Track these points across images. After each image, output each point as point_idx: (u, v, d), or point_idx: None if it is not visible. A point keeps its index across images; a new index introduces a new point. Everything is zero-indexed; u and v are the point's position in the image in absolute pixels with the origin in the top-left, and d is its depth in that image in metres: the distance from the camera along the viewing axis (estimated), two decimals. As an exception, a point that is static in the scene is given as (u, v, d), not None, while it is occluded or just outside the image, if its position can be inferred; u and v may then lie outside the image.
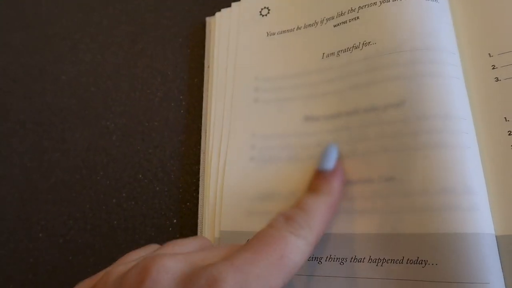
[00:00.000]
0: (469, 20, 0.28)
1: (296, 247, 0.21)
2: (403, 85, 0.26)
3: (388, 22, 0.28)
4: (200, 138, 0.32)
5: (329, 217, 0.24)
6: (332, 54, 0.29)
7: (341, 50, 0.29)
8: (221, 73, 0.32)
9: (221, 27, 0.33)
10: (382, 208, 0.25)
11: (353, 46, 0.29)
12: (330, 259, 0.26)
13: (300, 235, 0.21)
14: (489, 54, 0.27)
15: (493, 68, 0.27)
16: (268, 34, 0.32)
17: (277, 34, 0.32)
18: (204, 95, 0.33)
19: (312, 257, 0.26)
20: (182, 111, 0.33)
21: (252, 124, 0.30)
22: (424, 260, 0.24)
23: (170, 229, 0.31)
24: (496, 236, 0.24)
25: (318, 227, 0.23)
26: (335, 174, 0.25)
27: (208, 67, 0.33)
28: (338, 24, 0.30)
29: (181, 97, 0.34)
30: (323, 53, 0.30)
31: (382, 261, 0.25)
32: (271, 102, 0.30)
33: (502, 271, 0.24)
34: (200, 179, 0.31)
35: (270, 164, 0.29)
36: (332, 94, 0.29)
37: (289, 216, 0.22)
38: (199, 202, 0.30)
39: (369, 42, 0.28)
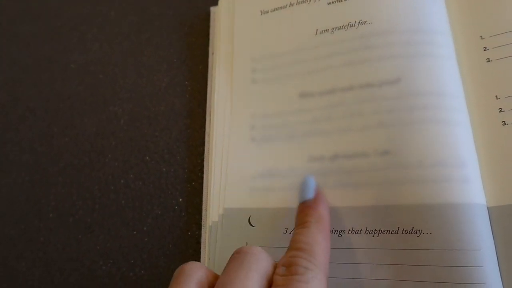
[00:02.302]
0: (461, 3, 0.30)
1: None
2: (398, 64, 0.28)
3: (384, 3, 0.29)
4: (205, 121, 0.33)
5: (327, 243, 0.24)
6: (326, 31, 0.30)
7: (336, 28, 0.30)
8: (221, 56, 0.33)
9: (221, 12, 0.34)
10: (377, 181, 0.26)
11: (348, 24, 0.30)
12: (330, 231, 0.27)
13: (309, 280, 0.21)
14: (480, 36, 0.29)
15: (484, 50, 0.28)
16: (262, 12, 0.33)
17: (271, 12, 0.33)
18: (208, 80, 0.34)
19: None
20: (187, 96, 0.35)
21: (251, 105, 0.31)
22: (419, 230, 0.25)
23: (176, 207, 0.32)
24: (488, 207, 0.26)
25: (322, 259, 0.22)
26: (318, 200, 0.26)
27: (213, 53, 0.35)
28: (332, 2, 0.31)
29: (186, 82, 0.35)
30: (316, 30, 0.31)
31: (378, 232, 0.26)
32: (268, 82, 0.31)
33: (494, 239, 0.25)
34: (205, 159, 0.32)
35: (269, 143, 0.30)
36: (327, 70, 0.29)
37: (290, 263, 0.21)
38: (204, 182, 0.31)
39: (365, 22, 0.29)
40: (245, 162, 0.30)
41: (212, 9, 0.36)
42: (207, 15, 0.36)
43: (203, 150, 0.32)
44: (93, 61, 0.39)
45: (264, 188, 0.29)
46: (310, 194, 0.26)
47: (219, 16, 0.35)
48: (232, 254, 0.22)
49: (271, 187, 0.29)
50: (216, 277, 0.22)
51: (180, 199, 0.32)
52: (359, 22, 0.29)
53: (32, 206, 0.35)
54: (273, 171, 0.29)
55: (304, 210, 0.25)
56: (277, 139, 0.30)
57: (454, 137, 0.26)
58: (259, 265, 0.21)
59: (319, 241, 0.23)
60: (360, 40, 0.29)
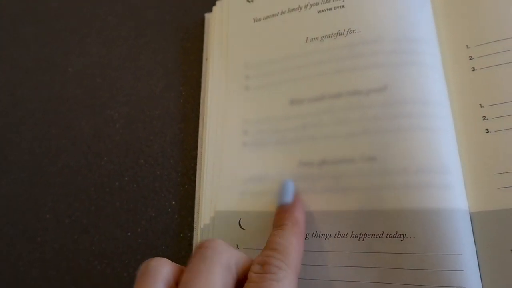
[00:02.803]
0: (447, 12, 0.30)
1: None
2: (385, 72, 0.28)
3: (372, 12, 0.30)
4: (198, 125, 0.34)
5: (301, 246, 0.25)
6: (316, 38, 0.31)
7: (325, 36, 0.31)
8: (215, 62, 0.34)
9: (216, 19, 0.35)
10: (363, 186, 0.27)
11: (337, 33, 0.30)
12: (316, 235, 0.28)
13: (280, 278, 0.22)
14: (466, 45, 0.29)
15: (470, 59, 0.29)
16: (254, 20, 0.33)
17: (263, 19, 0.33)
18: (202, 86, 0.35)
19: None
20: (181, 101, 0.35)
21: (244, 111, 0.32)
22: (403, 234, 0.26)
23: (169, 210, 0.33)
24: (470, 213, 0.26)
25: (295, 260, 0.24)
26: (295, 205, 0.27)
27: (207, 59, 0.35)
28: (322, 10, 0.31)
29: (180, 87, 0.36)
30: (307, 37, 0.31)
31: (363, 236, 0.27)
32: (260, 88, 0.32)
33: (475, 244, 0.26)
34: (198, 163, 0.33)
35: (261, 148, 0.30)
36: (316, 78, 0.30)
37: (264, 262, 0.23)
38: (196, 185, 0.32)
39: (354, 30, 0.30)
40: (237, 166, 0.31)
41: (207, 15, 0.37)
42: (202, 21, 0.37)
43: (196, 154, 0.33)
44: (91, 64, 0.39)
45: (255, 192, 0.30)
46: (288, 198, 0.27)
47: (213, 23, 0.35)
48: (194, 250, 0.23)
49: (261, 191, 0.30)
50: (183, 271, 0.22)
51: (173, 202, 0.33)
52: (348, 31, 0.30)
53: (30, 207, 0.36)
54: (263, 175, 0.30)
55: (282, 213, 0.26)
56: (268, 145, 0.30)
57: (438, 144, 0.27)
58: (221, 258, 0.22)
59: (293, 243, 0.24)
60: (349, 49, 0.30)
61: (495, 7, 0.29)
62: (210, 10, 0.36)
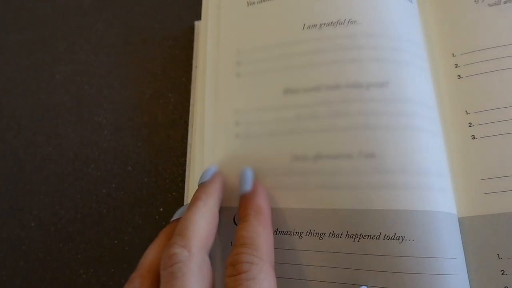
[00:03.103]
0: (434, 21, 0.31)
1: (259, 286, 0.21)
2: (387, 68, 0.27)
3: (373, 6, 0.29)
4: (187, 132, 0.34)
5: (269, 233, 0.24)
6: (314, 26, 0.29)
7: (324, 24, 0.29)
8: (206, 48, 0.32)
9: (208, 2, 0.34)
10: (361, 184, 0.26)
11: (337, 22, 0.29)
12: (310, 233, 0.26)
13: (255, 275, 0.21)
14: (452, 53, 0.30)
15: (456, 67, 0.29)
16: (248, 3, 0.32)
17: (257, 3, 0.32)
18: (191, 93, 0.35)
19: (293, 232, 0.27)
20: (170, 107, 0.35)
21: (235, 101, 0.30)
22: (401, 236, 0.25)
23: (157, 217, 0.32)
24: (458, 218, 0.26)
25: (266, 249, 0.23)
26: (255, 191, 0.26)
27: (196, 66, 0.35)
28: None
29: (169, 94, 0.36)
30: (304, 24, 0.30)
31: (359, 236, 0.25)
32: (253, 76, 0.30)
33: (463, 249, 0.26)
34: (186, 169, 0.32)
35: (253, 140, 0.29)
36: (313, 67, 0.29)
37: (235, 261, 0.22)
38: (185, 191, 0.32)
39: (355, 21, 0.29)
40: (229, 160, 0.29)
41: (196, 23, 0.37)
42: (191, 29, 0.37)
43: (185, 160, 0.33)
44: (79, 71, 0.39)
45: None
46: (248, 187, 0.26)
47: (205, 6, 0.34)
48: (161, 271, 0.22)
49: None
50: (157, 280, 0.22)
51: (161, 209, 0.32)
52: (348, 21, 0.29)
53: (14, 215, 0.35)
54: (256, 169, 0.28)
55: (243, 204, 0.25)
56: (261, 136, 0.28)
57: (433, 146, 0.26)
58: (190, 265, 0.22)
59: (260, 232, 0.23)
60: (349, 39, 0.28)
61: (480, 16, 0.30)
62: (199, 18, 0.37)
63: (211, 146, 0.30)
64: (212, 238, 0.24)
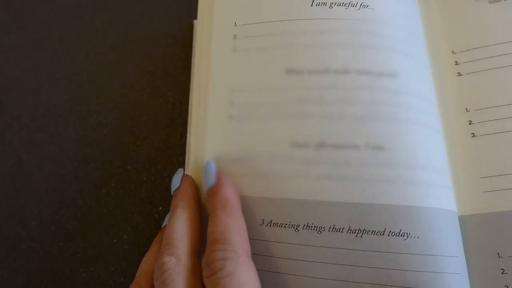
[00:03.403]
0: (434, 18, 0.31)
1: (238, 284, 0.21)
2: (397, 58, 0.26)
3: None
4: (186, 130, 0.34)
5: (240, 224, 0.24)
6: (324, 4, 0.27)
7: (335, 3, 0.27)
8: (201, 21, 0.30)
9: None
10: (366, 177, 0.25)
11: (349, 3, 0.27)
12: (308, 227, 0.25)
13: (231, 271, 0.21)
14: (452, 51, 0.29)
15: (456, 64, 0.29)
16: None
17: None
18: (190, 91, 0.35)
19: (289, 224, 0.25)
20: (169, 106, 0.35)
21: (230, 78, 0.27)
22: (407, 233, 0.24)
23: (156, 215, 0.32)
24: (458, 216, 0.26)
25: (238, 240, 0.22)
26: (220, 184, 0.25)
27: (195, 64, 0.35)
28: None
29: (168, 93, 0.36)
30: (313, 1, 0.28)
31: (362, 232, 0.24)
32: (251, 52, 0.27)
33: (464, 247, 0.26)
34: (185, 168, 0.32)
35: (249, 123, 0.26)
36: (320, 47, 0.27)
37: (210, 260, 0.22)
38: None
39: (367, 6, 0.27)
40: (222, 143, 0.27)
41: (195, 21, 0.37)
42: (190, 28, 0.37)
43: (184, 159, 0.33)
44: (79, 71, 0.39)
45: (241, 174, 0.26)
46: (212, 180, 0.25)
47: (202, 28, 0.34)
48: (155, 282, 0.23)
49: (248, 173, 0.26)
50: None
51: (160, 208, 0.32)
52: (361, 4, 0.27)
53: (15, 214, 0.35)
54: (251, 155, 0.26)
55: (210, 198, 0.25)
56: (258, 119, 0.26)
57: (439, 144, 0.26)
58: (180, 272, 0.22)
59: (229, 225, 0.23)
60: (361, 23, 0.27)
61: (481, 13, 0.30)
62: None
63: (202, 129, 0.28)
64: (199, 241, 0.24)
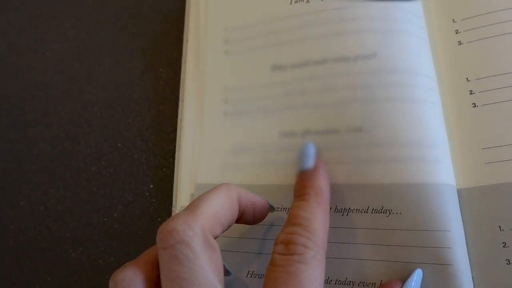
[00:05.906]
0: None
1: (310, 276, 0.19)
2: (375, 38, 0.27)
3: None
4: (177, 107, 0.33)
5: (327, 218, 0.22)
6: (302, 0, 0.29)
7: None
8: (195, 27, 0.32)
9: None
10: (348, 159, 0.26)
11: None
12: None
13: (308, 259, 0.19)
14: (453, 19, 0.28)
15: (456, 33, 0.28)
16: None
17: None
18: (182, 67, 0.34)
19: (280, 208, 0.26)
20: (161, 83, 0.34)
21: (224, 78, 0.30)
22: (388, 210, 0.25)
23: (147, 193, 0.31)
24: (457, 189, 0.25)
25: (321, 235, 0.21)
26: (317, 171, 0.24)
27: (187, 40, 0.34)
28: None
29: (160, 69, 0.35)
30: None
31: (347, 210, 0.25)
32: (241, 53, 0.30)
33: (462, 220, 0.25)
34: (177, 145, 0.31)
35: (242, 117, 0.29)
36: (300, 42, 0.28)
37: (288, 240, 0.20)
38: (175, 166, 0.31)
39: None
40: (218, 137, 0.29)
41: (187, -4, 0.36)
42: (183, 3, 0.36)
43: (175, 136, 0.32)
44: (69, 49, 0.38)
45: (235, 164, 0.28)
46: (310, 163, 0.24)
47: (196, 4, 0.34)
48: (159, 250, 0.19)
49: (242, 163, 0.28)
50: (154, 273, 0.19)
51: (151, 186, 0.32)
52: None
53: (4, 195, 0.34)
54: (244, 146, 0.28)
55: (302, 181, 0.23)
56: (249, 114, 0.29)
57: (428, 117, 0.26)
58: (196, 247, 0.18)
59: (318, 215, 0.21)
60: (336, 12, 0.28)
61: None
62: (190, -9, 0.35)
63: (199, 124, 0.30)
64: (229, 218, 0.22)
